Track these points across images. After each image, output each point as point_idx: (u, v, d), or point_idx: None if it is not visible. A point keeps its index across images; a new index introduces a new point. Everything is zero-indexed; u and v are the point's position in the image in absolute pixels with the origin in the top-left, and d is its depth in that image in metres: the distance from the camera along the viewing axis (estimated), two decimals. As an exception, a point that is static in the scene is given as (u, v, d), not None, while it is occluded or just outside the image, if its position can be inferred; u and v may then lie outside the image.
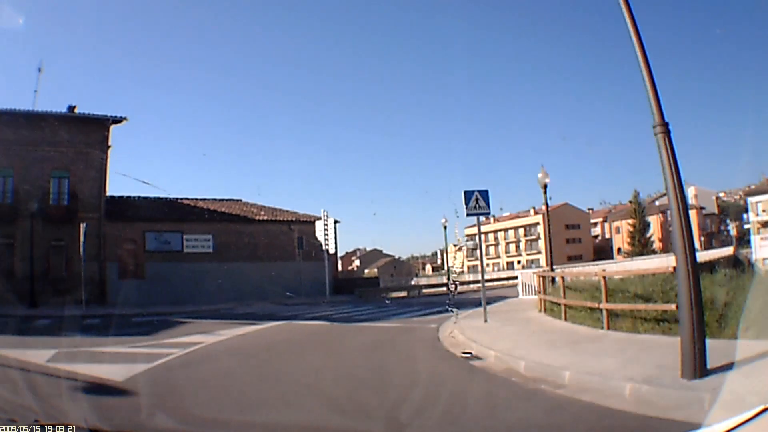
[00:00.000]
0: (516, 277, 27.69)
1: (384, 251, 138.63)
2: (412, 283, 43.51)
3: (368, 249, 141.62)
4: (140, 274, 29.29)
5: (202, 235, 31.46)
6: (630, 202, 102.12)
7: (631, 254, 75.84)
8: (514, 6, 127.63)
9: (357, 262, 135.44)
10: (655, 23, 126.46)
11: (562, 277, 13.69)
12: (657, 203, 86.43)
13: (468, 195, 13.92)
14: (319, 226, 32.30)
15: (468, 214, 13.66)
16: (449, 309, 16.94)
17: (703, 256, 33.87)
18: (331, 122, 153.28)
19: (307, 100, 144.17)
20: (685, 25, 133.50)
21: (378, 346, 11.46)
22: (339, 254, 44.51)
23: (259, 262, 32.54)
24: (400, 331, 14.39)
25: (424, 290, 35.35)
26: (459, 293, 34.85)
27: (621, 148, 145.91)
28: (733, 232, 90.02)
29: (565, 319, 12.23)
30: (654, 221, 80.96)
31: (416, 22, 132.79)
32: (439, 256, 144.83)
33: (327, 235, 31.56)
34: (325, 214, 31.83)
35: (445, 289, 36.53)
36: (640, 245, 77.33)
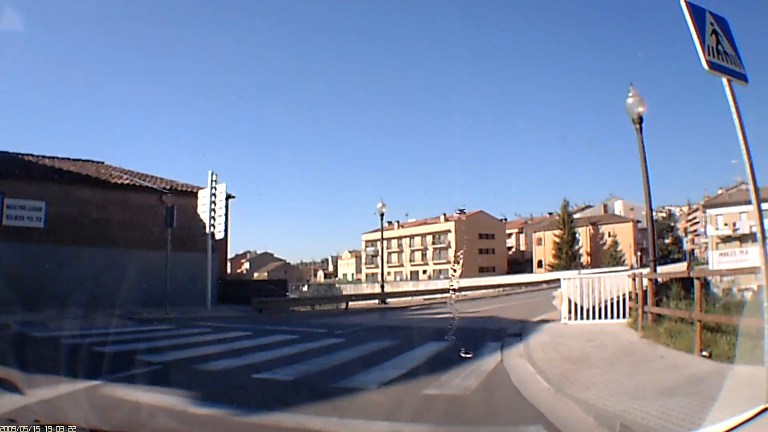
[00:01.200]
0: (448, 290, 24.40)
1: (275, 255, 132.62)
2: (344, 292, 32.59)
3: (259, 252, 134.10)
4: None
5: (30, 202, 18.59)
6: (550, 213, 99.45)
7: (556, 267, 71.76)
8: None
9: (247, 265, 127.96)
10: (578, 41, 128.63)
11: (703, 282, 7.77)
12: (578, 215, 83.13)
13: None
14: (203, 199, 20.81)
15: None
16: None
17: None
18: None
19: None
20: (621, 46, 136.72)
21: None
22: (229, 252, 32.79)
23: (111, 248, 20.66)
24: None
25: (353, 302, 24.73)
26: (396, 308, 25.10)
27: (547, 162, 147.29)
28: (687, 246, 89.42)
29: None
30: (583, 233, 76.40)
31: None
32: (330, 262, 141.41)
33: (215, 210, 20.04)
34: (214, 178, 20.33)
35: (377, 302, 26.44)
36: (567, 258, 73.04)
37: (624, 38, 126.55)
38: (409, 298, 29.69)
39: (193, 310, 18.68)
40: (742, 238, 55.95)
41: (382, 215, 28.61)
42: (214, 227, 19.96)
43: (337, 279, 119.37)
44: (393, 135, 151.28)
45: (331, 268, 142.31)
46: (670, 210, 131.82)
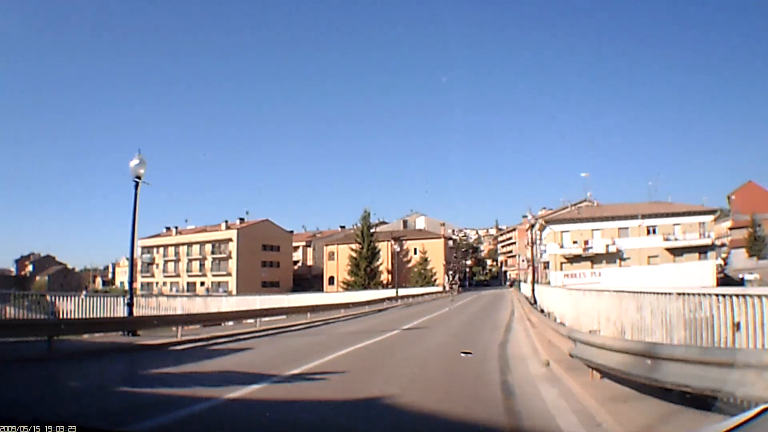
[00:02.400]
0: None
1: (58, 258, 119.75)
2: (215, 309, 20.82)
3: (42, 254, 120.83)
4: None
5: None
6: (342, 227, 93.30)
7: (352, 285, 65.29)
8: None
9: (30, 268, 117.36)
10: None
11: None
12: (379, 229, 78.50)
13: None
14: None
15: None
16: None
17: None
18: None
19: None
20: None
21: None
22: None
23: None
24: None
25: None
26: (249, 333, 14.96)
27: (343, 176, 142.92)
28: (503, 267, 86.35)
29: None
30: (384, 249, 71.26)
31: None
32: (111, 269, 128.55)
33: None
34: None
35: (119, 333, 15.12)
36: (365, 275, 66.75)
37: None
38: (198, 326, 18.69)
39: None
40: (595, 258, 53.41)
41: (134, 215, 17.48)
42: None
43: (113, 287, 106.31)
44: (172, 135, 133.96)
45: (110, 275, 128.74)
46: (477, 231, 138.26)
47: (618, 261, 50.12)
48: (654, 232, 53.97)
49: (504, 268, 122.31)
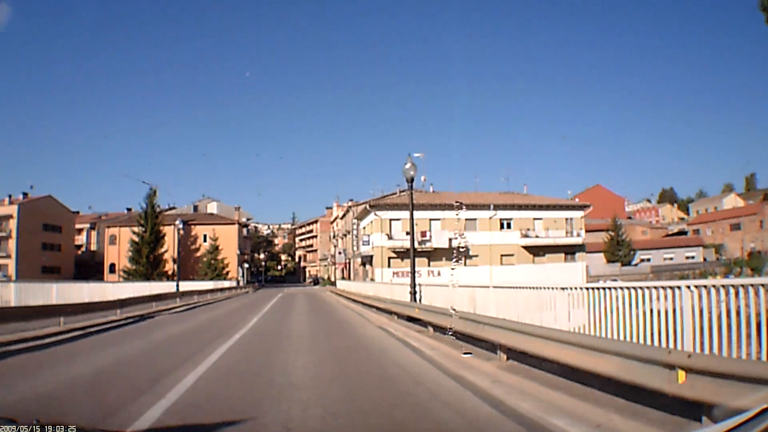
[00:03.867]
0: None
1: None
2: None
3: None
4: None
5: None
6: (129, 209, 77.80)
7: (133, 275, 52.78)
8: None
9: None
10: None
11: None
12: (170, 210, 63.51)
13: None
14: None
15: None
16: None
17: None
18: None
19: None
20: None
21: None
22: None
23: None
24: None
25: None
26: None
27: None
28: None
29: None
30: (170, 234, 56.68)
31: None
32: None
33: None
34: None
35: None
36: (148, 264, 53.63)
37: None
38: None
39: None
40: (432, 255, 40.56)
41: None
42: None
43: None
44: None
45: None
46: (269, 226, 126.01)
47: (462, 259, 39.20)
48: (509, 226, 44.24)
49: (303, 264, 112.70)
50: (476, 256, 41.71)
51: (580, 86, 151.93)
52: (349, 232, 58.17)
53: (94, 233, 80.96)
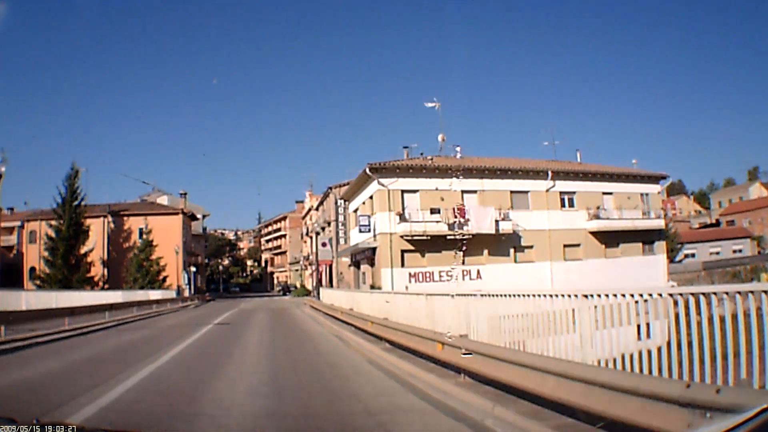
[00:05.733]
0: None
1: None
2: None
3: None
4: None
5: None
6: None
7: (48, 282, 39.86)
8: None
9: None
10: None
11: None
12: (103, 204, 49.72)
13: None
14: None
15: None
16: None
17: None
18: None
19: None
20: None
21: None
22: None
23: None
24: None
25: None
26: None
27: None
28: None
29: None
30: (97, 229, 44.28)
31: None
32: None
33: None
34: None
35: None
36: (65, 267, 40.47)
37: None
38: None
39: None
40: (471, 245, 25.42)
41: None
42: None
43: None
44: None
45: None
46: (236, 232, 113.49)
47: (512, 250, 26.30)
48: (571, 204, 29.91)
49: (270, 269, 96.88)
50: (530, 247, 28.20)
51: (580, 85, 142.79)
52: (329, 223, 44.34)
53: (24, 232, 67.11)
